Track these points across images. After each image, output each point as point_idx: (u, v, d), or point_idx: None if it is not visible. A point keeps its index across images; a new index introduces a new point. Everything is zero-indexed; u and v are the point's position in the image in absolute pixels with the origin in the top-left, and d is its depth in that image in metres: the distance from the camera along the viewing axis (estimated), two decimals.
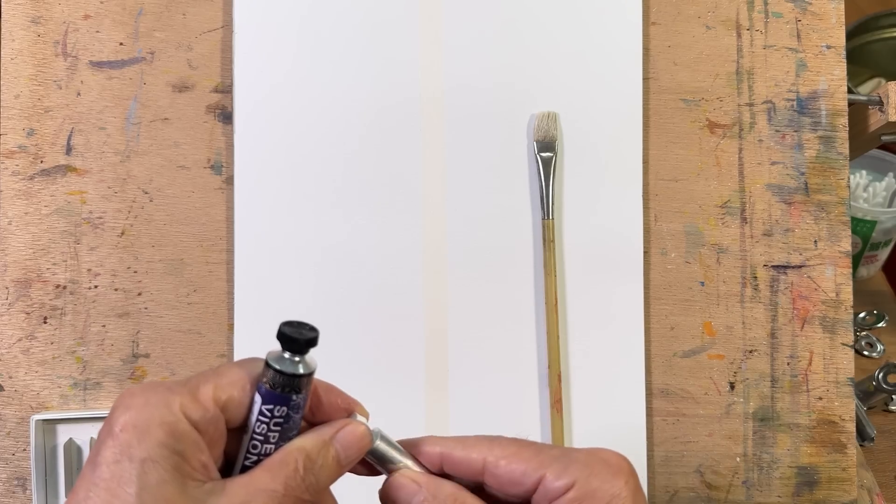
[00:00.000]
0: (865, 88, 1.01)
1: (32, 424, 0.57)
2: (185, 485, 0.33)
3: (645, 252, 0.61)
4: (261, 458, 0.36)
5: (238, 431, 0.36)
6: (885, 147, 0.90)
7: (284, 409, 0.35)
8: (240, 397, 0.35)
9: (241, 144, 0.60)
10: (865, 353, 0.87)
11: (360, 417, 0.38)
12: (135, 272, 0.59)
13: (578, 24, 0.61)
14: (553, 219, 0.60)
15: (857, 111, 0.64)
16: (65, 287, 0.59)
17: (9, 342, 0.59)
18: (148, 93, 0.60)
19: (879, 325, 0.89)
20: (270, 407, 0.35)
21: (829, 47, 0.62)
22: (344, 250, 0.60)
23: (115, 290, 0.59)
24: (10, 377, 0.58)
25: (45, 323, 0.59)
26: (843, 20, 0.62)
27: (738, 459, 0.60)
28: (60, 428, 0.58)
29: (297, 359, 0.35)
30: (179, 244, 0.60)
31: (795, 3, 0.62)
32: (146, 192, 0.60)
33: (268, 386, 0.35)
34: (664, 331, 0.61)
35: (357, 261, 0.60)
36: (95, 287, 0.59)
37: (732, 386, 0.61)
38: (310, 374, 0.36)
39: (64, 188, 0.59)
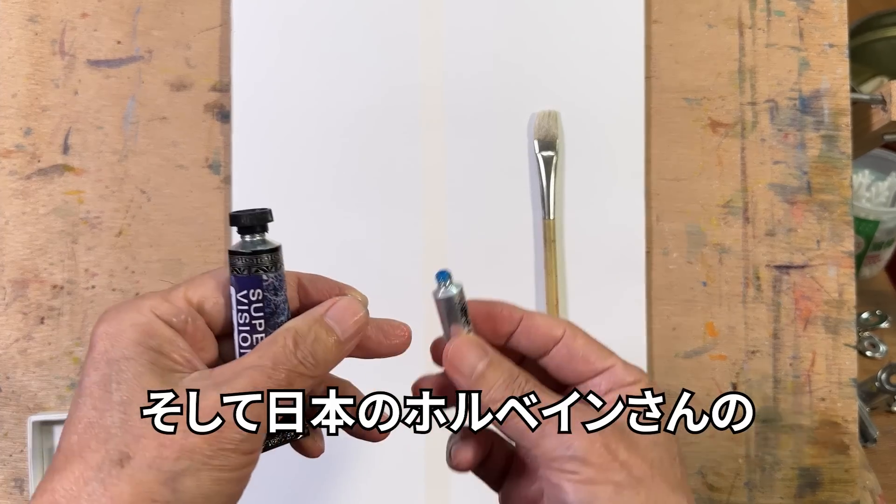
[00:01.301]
0: (868, 87, 1.00)
1: (29, 426, 0.57)
2: (164, 376, 0.33)
3: (647, 252, 0.61)
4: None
5: (231, 339, 0.37)
6: (888, 146, 0.90)
7: (259, 291, 0.36)
8: (214, 296, 0.36)
9: (239, 143, 0.59)
10: (868, 353, 0.86)
11: (354, 297, 0.39)
12: (132, 272, 0.59)
13: (580, 23, 0.61)
14: (554, 218, 0.59)
15: (860, 110, 0.64)
16: (62, 287, 0.59)
17: (6, 342, 0.58)
18: (146, 92, 0.60)
19: (882, 325, 0.89)
20: (245, 292, 0.36)
21: (831, 46, 0.62)
22: (343, 250, 0.59)
23: (113, 290, 0.59)
24: (8, 378, 0.58)
25: (42, 323, 0.58)
26: (846, 19, 0.62)
27: (740, 461, 0.60)
28: (57, 429, 0.58)
29: (253, 238, 0.36)
30: (177, 244, 0.59)
31: (797, 2, 0.62)
32: (144, 192, 0.60)
33: (235, 272, 0.36)
34: (666, 331, 0.60)
35: (356, 260, 0.59)
36: (93, 287, 0.59)
37: (735, 387, 0.60)
38: (272, 250, 0.36)
39: (61, 188, 0.59)
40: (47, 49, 0.60)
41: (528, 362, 0.40)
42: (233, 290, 0.36)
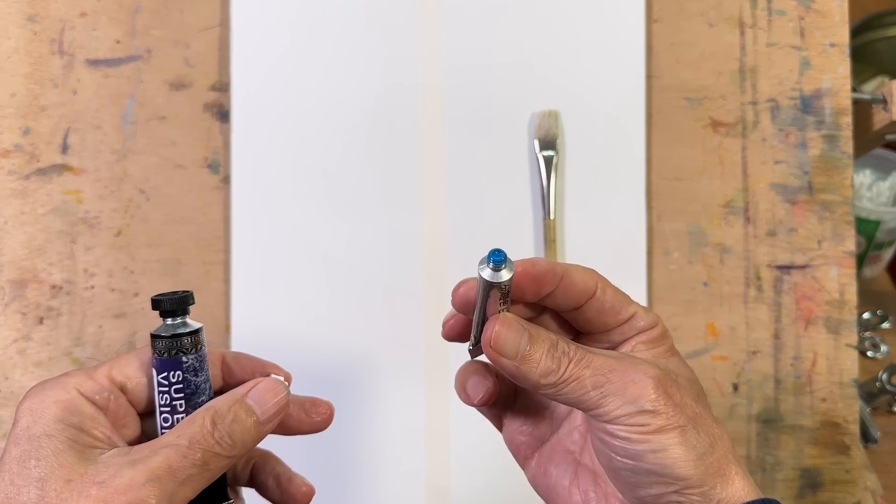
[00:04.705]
0: (869, 87, 1.00)
1: None
2: (83, 453, 0.35)
3: (647, 252, 0.60)
4: None
5: (154, 417, 0.38)
6: (889, 146, 0.89)
7: (179, 373, 0.37)
8: (137, 376, 0.38)
9: (238, 143, 0.59)
10: (869, 353, 0.86)
11: (277, 377, 0.39)
12: (131, 272, 0.59)
13: (580, 22, 0.61)
14: (554, 218, 0.59)
15: (861, 110, 0.64)
16: (61, 287, 0.58)
17: (5, 343, 0.58)
18: (144, 91, 0.60)
19: (883, 325, 0.89)
20: (165, 374, 0.37)
21: (832, 45, 0.62)
22: (343, 250, 0.59)
23: (112, 290, 0.59)
24: (6, 378, 0.58)
25: (41, 324, 0.58)
26: (847, 18, 0.62)
27: None
28: None
29: (173, 321, 0.38)
30: (176, 244, 0.59)
31: (798, 1, 0.62)
32: (143, 192, 0.59)
33: (156, 355, 0.37)
34: None
35: (356, 260, 0.59)
36: (92, 287, 0.59)
37: (736, 387, 0.60)
38: (193, 332, 0.38)
39: (60, 187, 0.59)
40: (46, 48, 0.59)
41: (549, 311, 0.40)
42: (154, 372, 0.38)
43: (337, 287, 0.59)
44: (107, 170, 0.59)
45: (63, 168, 0.59)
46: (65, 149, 0.59)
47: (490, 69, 0.60)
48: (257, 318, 0.58)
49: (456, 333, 0.39)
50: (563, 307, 0.39)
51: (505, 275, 0.36)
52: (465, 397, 0.40)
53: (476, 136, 0.60)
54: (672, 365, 0.39)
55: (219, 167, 0.60)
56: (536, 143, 0.60)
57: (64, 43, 0.60)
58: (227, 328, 0.59)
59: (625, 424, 0.35)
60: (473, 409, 0.46)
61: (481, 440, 0.58)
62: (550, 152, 0.59)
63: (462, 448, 0.58)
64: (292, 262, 0.59)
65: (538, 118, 0.60)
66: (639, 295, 0.60)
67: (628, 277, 0.60)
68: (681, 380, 0.38)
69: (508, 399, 0.42)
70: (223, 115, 0.60)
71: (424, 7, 0.60)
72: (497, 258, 0.35)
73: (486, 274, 0.36)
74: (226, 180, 0.60)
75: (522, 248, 0.60)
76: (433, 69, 0.60)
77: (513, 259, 0.37)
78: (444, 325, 0.40)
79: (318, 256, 0.59)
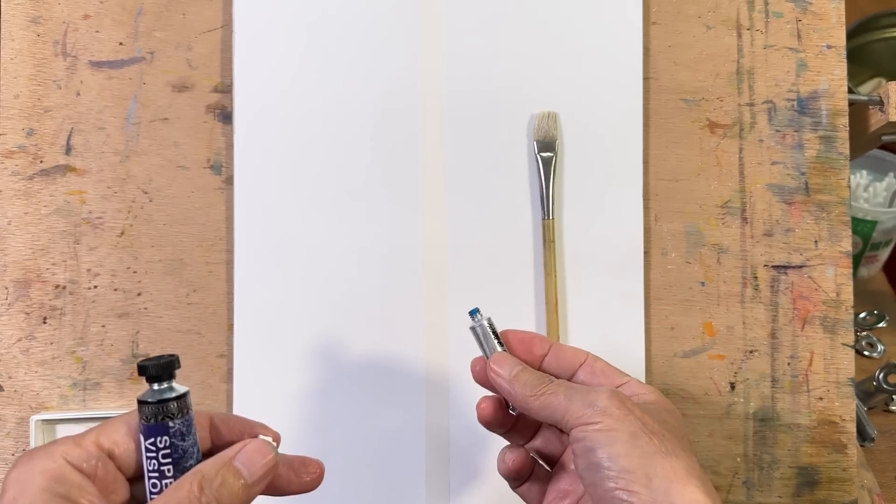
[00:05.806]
0: (866, 88, 1.01)
1: (32, 425, 0.57)
2: None
3: (645, 252, 0.61)
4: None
5: (143, 482, 0.38)
6: (885, 147, 0.90)
7: (166, 438, 0.37)
8: (125, 442, 0.38)
9: (240, 144, 0.60)
10: (866, 353, 0.86)
11: (265, 438, 0.39)
12: (134, 272, 0.59)
13: (579, 24, 0.61)
14: (553, 219, 0.60)
15: (858, 111, 0.64)
16: (64, 287, 0.59)
17: (8, 342, 0.58)
18: (147, 93, 0.60)
19: (880, 325, 0.89)
20: (152, 440, 0.37)
21: (829, 47, 0.62)
22: (344, 250, 0.60)
23: (115, 290, 0.59)
24: (10, 377, 0.58)
25: (44, 323, 0.59)
26: (844, 20, 0.62)
27: (738, 460, 0.60)
28: (60, 428, 0.58)
29: (160, 387, 0.38)
30: (179, 244, 0.60)
31: (796, 3, 0.62)
32: (146, 192, 0.60)
33: (143, 420, 0.37)
34: (664, 331, 0.61)
35: (357, 261, 0.60)
36: (95, 287, 0.59)
37: (733, 386, 0.60)
38: (179, 397, 0.37)
39: (63, 188, 0.59)
40: (49, 50, 0.60)
41: None
42: (141, 437, 0.38)
43: (338, 287, 0.59)
44: (110, 171, 0.60)
45: (66, 169, 0.60)
46: (68, 150, 0.60)
47: (489, 71, 0.61)
48: (259, 318, 0.59)
49: (489, 415, 0.47)
50: (558, 373, 0.46)
51: (485, 320, 0.47)
52: (504, 467, 0.47)
53: (476, 138, 0.61)
54: (659, 406, 0.44)
55: (221, 168, 0.60)
56: (535, 144, 0.60)
57: (67, 45, 0.60)
58: (230, 327, 0.59)
59: (583, 425, 0.41)
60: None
61: (481, 440, 0.59)
62: (549, 153, 0.60)
63: (462, 448, 0.59)
64: (294, 262, 0.59)
65: (537, 120, 0.60)
66: (636, 295, 0.60)
67: (626, 277, 0.60)
68: (654, 409, 0.42)
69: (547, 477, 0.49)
70: (225, 116, 0.60)
71: (425, 9, 0.61)
72: (472, 311, 0.47)
73: (473, 322, 0.47)
74: (228, 181, 0.60)
75: (522, 248, 0.60)
76: (433, 70, 0.61)
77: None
78: (477, 409, 0.47)
79: (320, 257, 0.60)
